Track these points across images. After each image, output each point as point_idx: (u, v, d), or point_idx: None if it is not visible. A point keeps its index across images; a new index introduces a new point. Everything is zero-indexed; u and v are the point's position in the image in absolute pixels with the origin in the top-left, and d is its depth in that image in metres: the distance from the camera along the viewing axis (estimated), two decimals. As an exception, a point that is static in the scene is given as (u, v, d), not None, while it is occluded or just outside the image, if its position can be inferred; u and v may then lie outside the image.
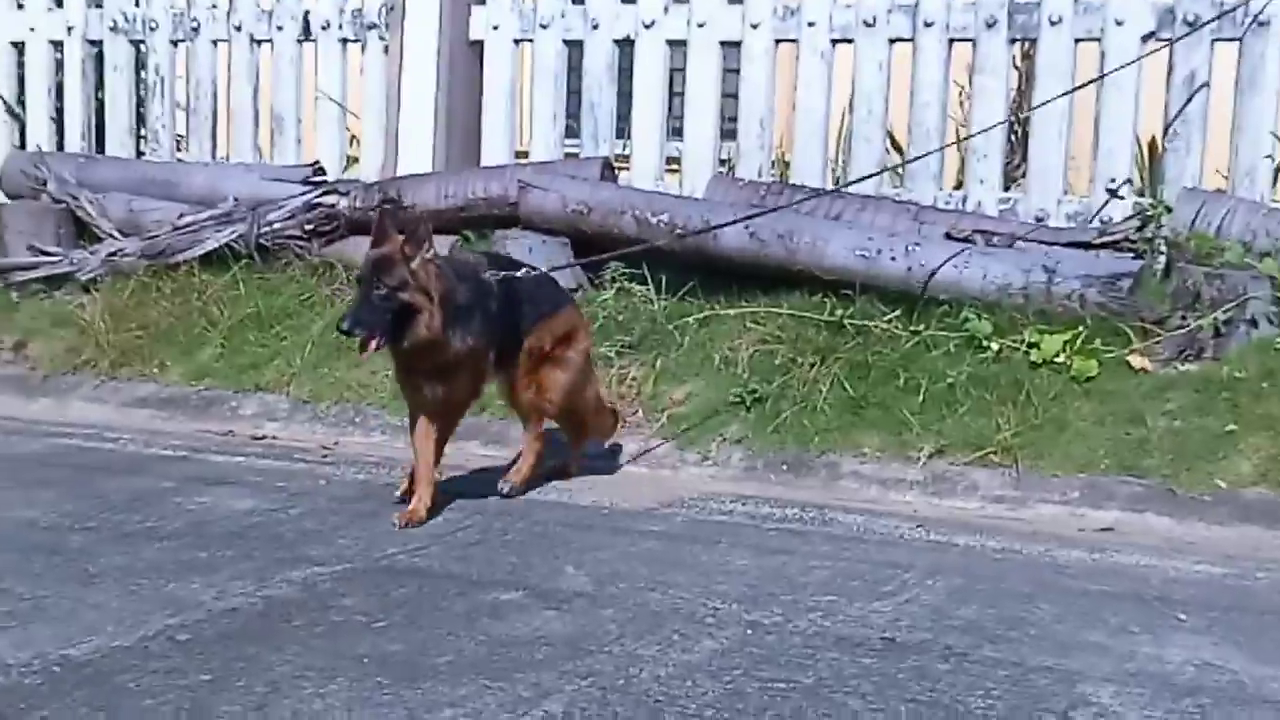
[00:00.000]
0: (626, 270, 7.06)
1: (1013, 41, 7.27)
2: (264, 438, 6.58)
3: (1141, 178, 7.97)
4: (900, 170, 7.72)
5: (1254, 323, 5.92)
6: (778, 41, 7.69)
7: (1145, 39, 6.91)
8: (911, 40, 7.38)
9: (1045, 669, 3.64)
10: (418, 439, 5.08)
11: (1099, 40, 7.02)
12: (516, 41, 8.35)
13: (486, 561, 4.54)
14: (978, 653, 3.76)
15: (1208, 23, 6.72)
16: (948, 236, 6.72)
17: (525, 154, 8.51)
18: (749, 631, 3.88)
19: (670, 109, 8.14)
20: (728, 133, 7.98)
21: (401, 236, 4.80)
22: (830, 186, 7.58)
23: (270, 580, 4.21)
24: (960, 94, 7.73)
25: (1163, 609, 4.23)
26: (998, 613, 4.11)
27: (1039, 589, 4.39)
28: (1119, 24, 6.93)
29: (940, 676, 3.57)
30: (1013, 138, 8.22)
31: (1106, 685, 3.54)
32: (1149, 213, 6.58)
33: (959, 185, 7.73)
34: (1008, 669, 3.64)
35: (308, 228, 7.87)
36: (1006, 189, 7.41)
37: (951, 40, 7.33)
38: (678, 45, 7.95)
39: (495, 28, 8.34)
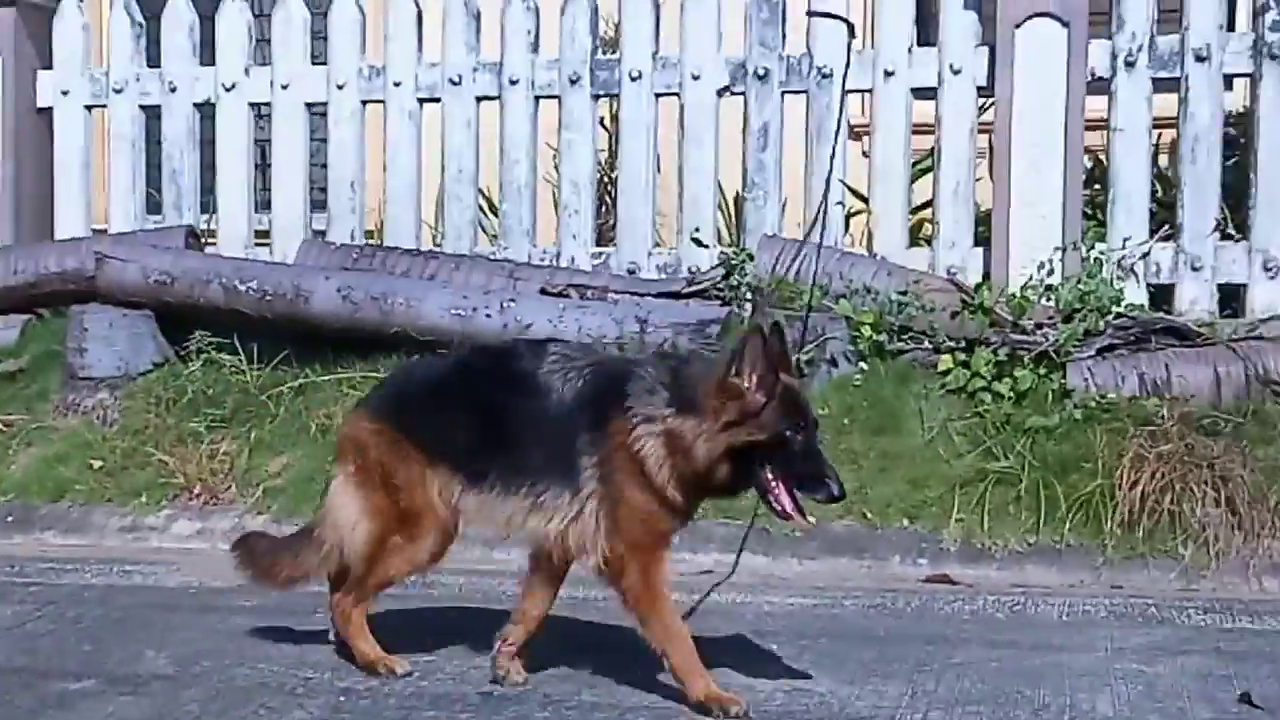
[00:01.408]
0: (214, 340, 6.77)
1: (596, 97, 7.39)
2: None
3: (729, 228, 8.23)
4: (494, 229, 7.73)
5: (834, 362, 6.16)
6: (365, 102, 7.59)
7: (721, 93, 7.15)
8: (498, 98, 7.41)
9: (643, 708, 3.64)
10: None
11: (678, 95, 7.21)
12: (89, 108, 7.95)
13: (57, 651, 4.22)
14: (576, 698, 3.72)
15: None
16: (543, 292, 6.75)
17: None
18: (341, 698, 3.73)
19: (261, 174, 7.92)
20: (320, 203, 7.83)
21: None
22: (426, 248, 7.51)
23: None
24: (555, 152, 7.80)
25: (757, 641, 4.30)
26: (597, 659, 4.08)
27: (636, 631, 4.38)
28: (695, 78, 7.16)
29: (539, 725, 3.51)
30: (606, 195, 8.35)
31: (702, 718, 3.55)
32: (733, 261, 6.78)
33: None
34: (604, 711, 3.61)
35: None
36: (600, 244, 7.51)
37: (538, 97, 7.40)
38: (263, 108, 7.75)
39: (65, 93, 7.92)
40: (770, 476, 3.57)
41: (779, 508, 3.59)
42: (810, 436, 3.60)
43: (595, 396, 3.70)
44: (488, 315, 6.47)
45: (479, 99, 7.47)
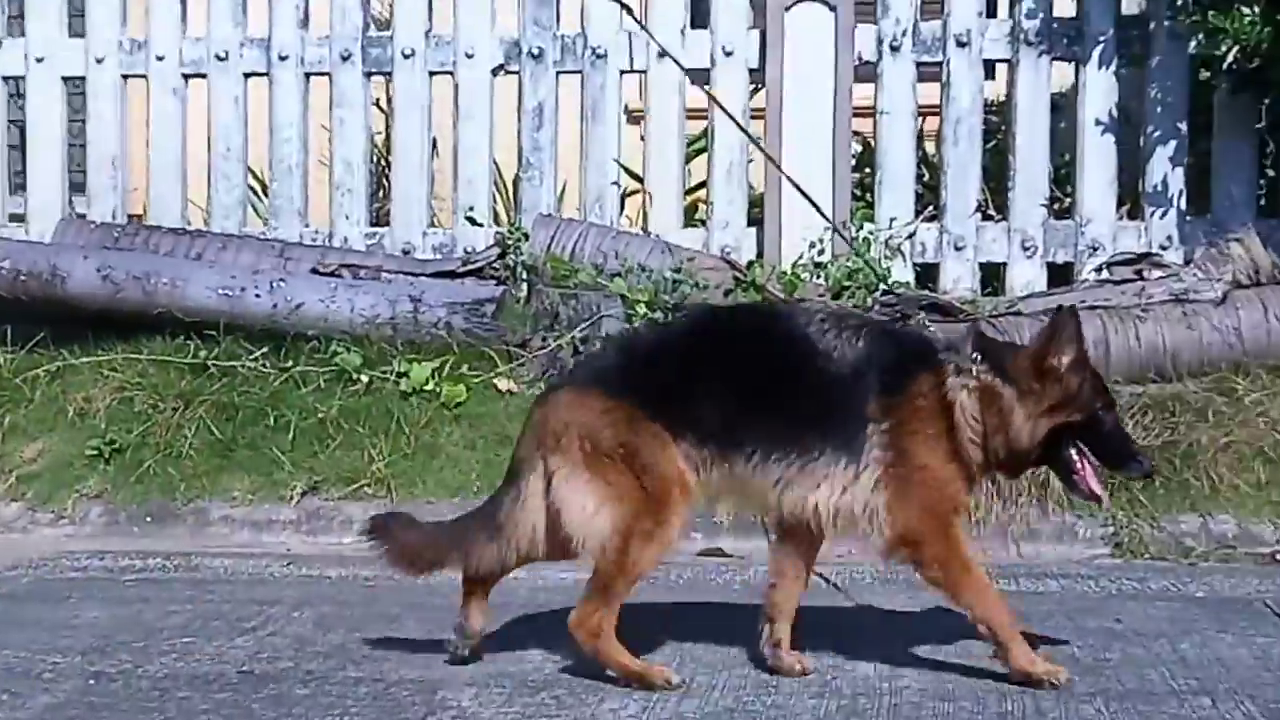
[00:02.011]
0: (-39, 325, 6.46)
1: (369, 75, 7.25)
2: None
3: (506, 208, 8.18)
4: (264, 207, 7.55)
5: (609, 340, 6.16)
6: (126, 77, 7.33)
7: (495, 72, 7.10)
8: (267, 74, 7.23)
9: (409, 682, 3.58)
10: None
11: (452, 73, 7.14)
12: None
13: None
14: (339, 675, 3.65)
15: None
16: (314, 272, 6.60)
17: None
18: (91, 682, 3.58)
19: (21, 153, 7.60)
20: (81, 185, 7.54)
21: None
22: (194, 226, 7.29)
23: None
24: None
25: (525, 616, 4.27)
26: (363, 636, 4.02)
27: (407, 610, 4.33)
28: (469, 57, 7.09)
29: (298, 701, 3.42)
30: (383, 176, 8.22)
31: (468, 689, 3.51)
32: (508, 240, 6.73)
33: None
34: (369, 686, 3.54)
35: None
36: (377, 225, 7.39)
37: (308, 74, 7.24)
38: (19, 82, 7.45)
39: None
40: (1075, 456, 3.51)
41: (1085, 489, 3.53)
42: (1116, 415, 3.60)
43: (890, 357, 3.51)
44: (257, 295, 6.31)
45: (247, 75, 7.27)
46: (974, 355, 3.49)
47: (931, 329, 5.43)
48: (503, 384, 6.05)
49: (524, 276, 6.62)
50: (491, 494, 3.78)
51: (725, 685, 3.57)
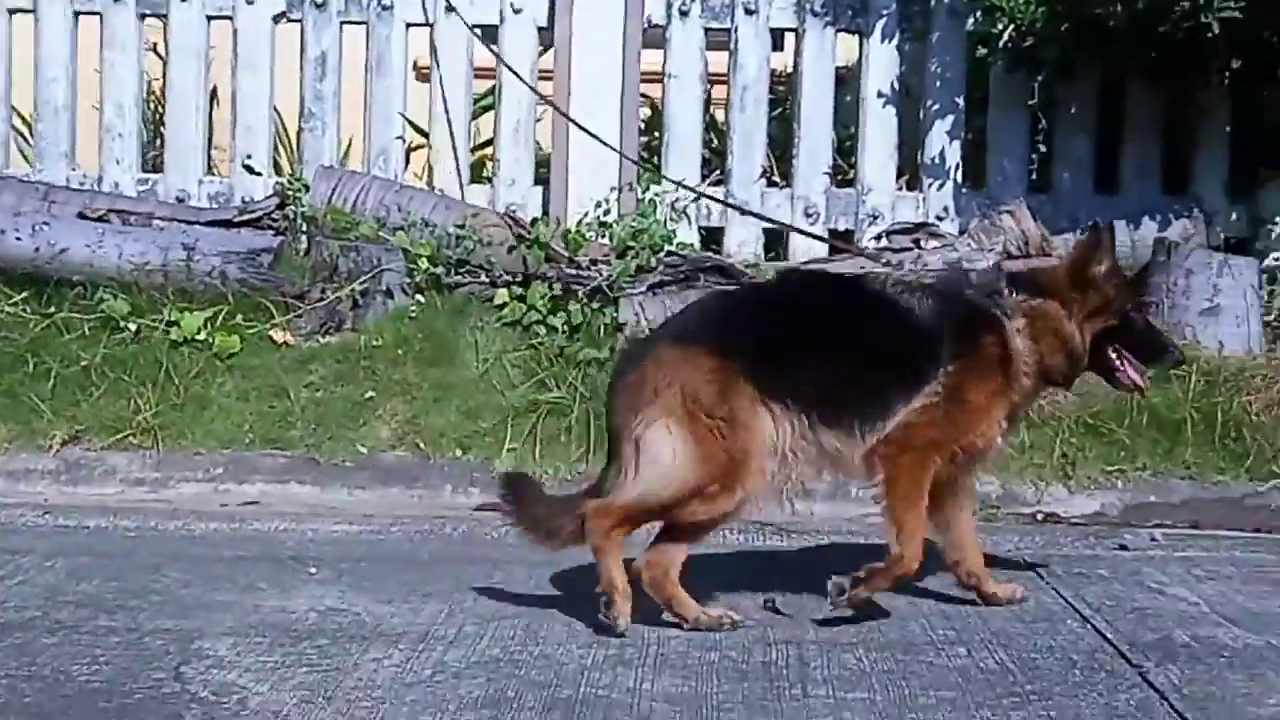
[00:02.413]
0: None
1: (143, 16, 6.98)
2: None
3: (290, 160, 7.96)
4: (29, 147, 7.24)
5: (390, 293, 6.06)
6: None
7: (277, 19, 6.90)
8: (33, 11, 6.91)
9: (163, 631, 3.48)
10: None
11: (231, 18, 6.92)
12: None
13: None
14: (91, 624, 3.53)
15: None
16: (81, 216, 6.34)
17: None
18: None
19: None
20: None
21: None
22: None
23: None
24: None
25: (295, 567, 4.19)
26: (119, 585, 3.90)
27: (168, 560, 4.20)
28: (249, 2, 6.87)
29: (44, 650, 3.31)
30: (160, 120, 7.92)
31: (226, 639, 3.42)
32: (288, 190, 6.56)
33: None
34: (121, 635, 3.43)
35: None
36: (151, 171, 7.13)
37: (77, 13, 6.94)
38: None
39: None
40: (1114, 355, 3.81)
41: (1129, 381, 3.86)
42: (1145, 314, 3.99)
43: (958, 313, 3.73)
44: (18, 238, 6.07)
45: (12, 11, 6.95)
46: (1013, 292, 3.79)
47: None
48: (279, 335, 5.91)
49: (303, 228, 6.46)
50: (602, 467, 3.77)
51: (493, 635, 3.54)
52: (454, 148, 6.95)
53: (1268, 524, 5.17)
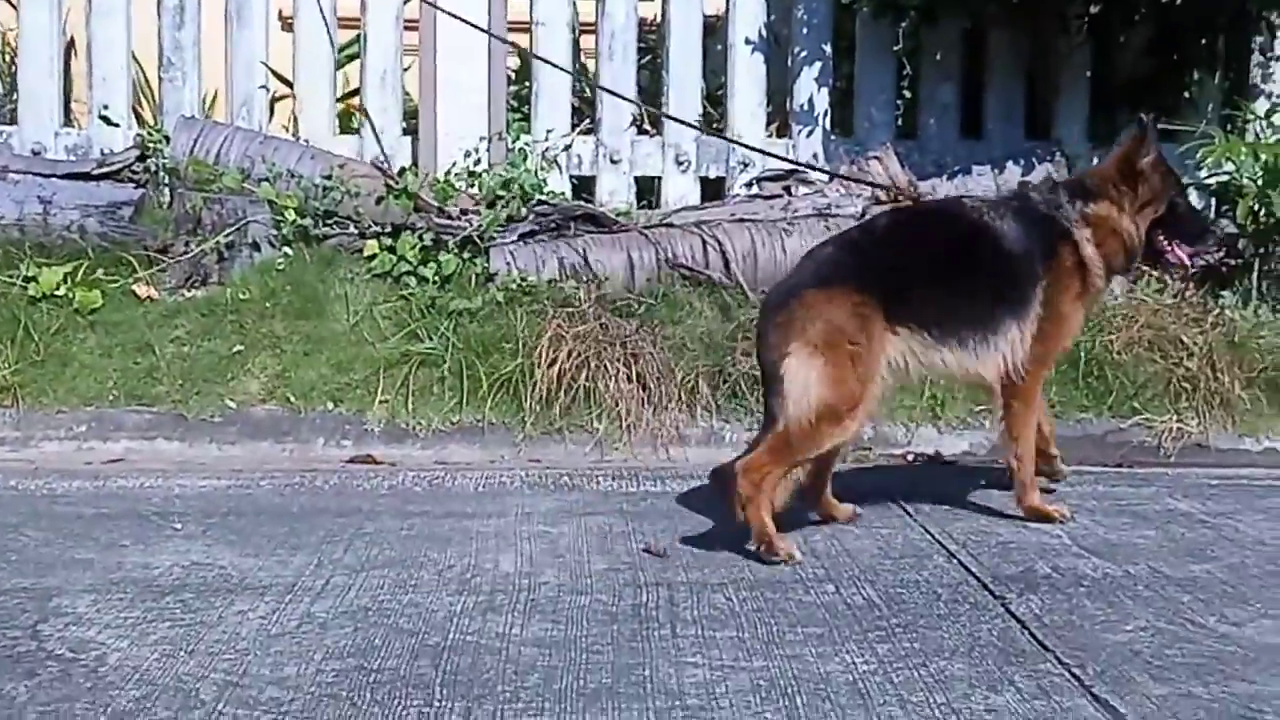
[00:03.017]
0: None
1: (-7, -37, 6.78)
2: None
3: (153, 111, 7.78)
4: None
5: (256, 246, 5.94)
6: None
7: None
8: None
9: (20, 590, 3.39)
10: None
11: (86, -36, 6.74)
12: None
13: None
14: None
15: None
16: (-68, 170, 6.14)
17: None
18: None
19: None
20: None
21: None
22: None
23: None
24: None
25: (159, 522, 4.11)
26: (-21, 540, 3.78)
27: (28, 519, 4.09)
28: (105, -53, 6.69)
29: (-107, 613, 3.19)
30: (12, 71, 7.68)
31: (86, 595, 3.35)
32: (148, 142, 6.41)
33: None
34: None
35: None
36: (4, 124, 6.92)
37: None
38: None
39: None
40: (1162, 239, 4.21)
41: (1179, 260, 4.26)
42: (1187, 198, 4.37)
43: (1036, 229, 4.08)
44: None
45: None
46: (1074, 202, 4.14)
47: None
48: (142, 290, 5.77)
49: (165, 180, 6.32)
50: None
51: (362, 586, 3.51)
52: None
53: (1129, 459, 5.30)
